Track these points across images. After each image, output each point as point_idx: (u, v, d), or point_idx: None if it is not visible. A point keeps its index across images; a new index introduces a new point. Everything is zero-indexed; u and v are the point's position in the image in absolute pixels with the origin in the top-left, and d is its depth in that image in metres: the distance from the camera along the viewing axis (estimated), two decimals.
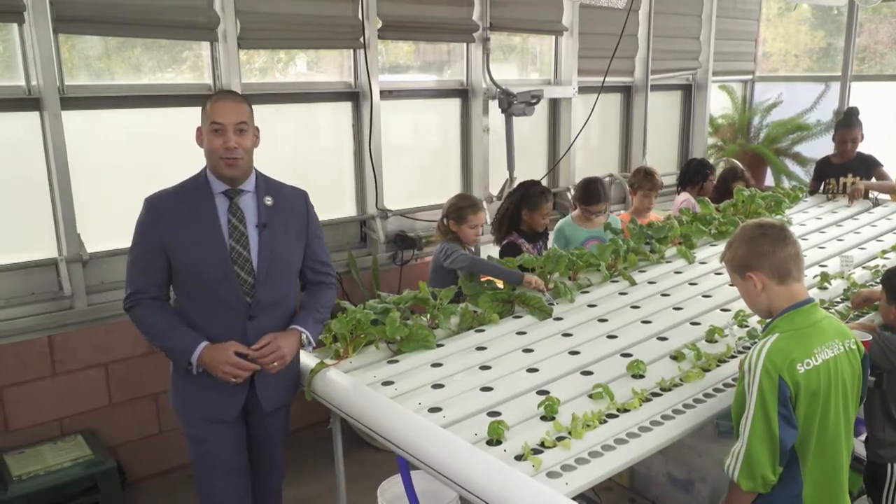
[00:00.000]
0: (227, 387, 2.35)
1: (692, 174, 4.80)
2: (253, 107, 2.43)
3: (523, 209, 3.80)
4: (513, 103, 4.84)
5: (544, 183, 4.15)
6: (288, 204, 2.47)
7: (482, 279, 3.17)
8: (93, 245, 3.56)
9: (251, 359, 2.32)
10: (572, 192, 5.46)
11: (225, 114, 2.31)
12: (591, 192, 4.00)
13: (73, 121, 3.46)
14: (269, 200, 2.41)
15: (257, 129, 2.42)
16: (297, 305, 2.54)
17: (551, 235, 4.11)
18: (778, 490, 1.97)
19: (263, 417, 2.51)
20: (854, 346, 2.06)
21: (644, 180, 4.35)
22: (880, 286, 2.68)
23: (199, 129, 2.38)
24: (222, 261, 2.31)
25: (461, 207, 3.47)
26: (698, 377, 2.37)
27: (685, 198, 4.66)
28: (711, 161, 7.00)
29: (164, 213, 2.34)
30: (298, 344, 2.42)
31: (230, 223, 2.35)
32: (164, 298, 2.40)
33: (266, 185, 2.45)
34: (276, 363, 2.33)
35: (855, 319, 2.82)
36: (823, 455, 2.00)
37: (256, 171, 2.44)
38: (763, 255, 2.05)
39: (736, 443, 1.99)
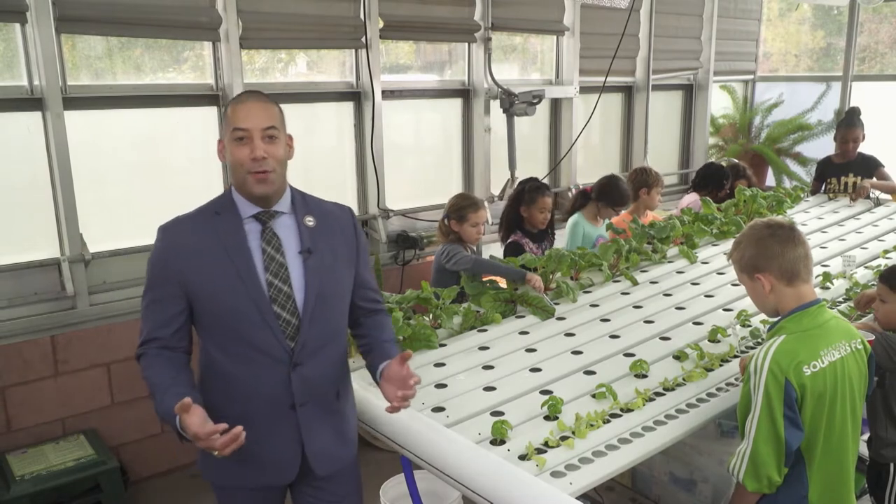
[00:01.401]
0: (271, 446, 1.95)
1: (707, 180, 4.69)
2: None
3: (521, 206, 3.81)
4: (514, 103, 4.84)
5: (546, 183, 4.15)
6: (333, 224, 2.05)
7: (484, 279, 3.17)
8: (95, 245, 3.56)
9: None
10: (573, 191, 5.47)
11: (249, 118, 1.90)
12: (618, 192, 3.98)
13: (76, 121, 3.47)
14: (310, 221, 2.00)
15: (290, 136, 2.02)
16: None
17: (561, 233, 4.11)
18: (783, 491, 1.97)
19: (324, 484, 2.09)
20: (861, 347, 2.06)
21: (656, 178, 4.32)
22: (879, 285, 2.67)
23: (220, 142, 1.97)
24: (259, 301, 1.89)
25: (462, 207, 3.47)
26: (701, 377, 2.37)
27: (692, 199, 4.61)
28: (712, 161, 7.00)
29: (182, 245, 1.92)
30: None
31: (265, 253, 1.93)
32: (180, 349, 1.96)
33: (304, 202, 2.04)
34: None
35: (858, 319, 2.81)
36: (830, 456, 2.00)
37: (291, 187, 2.05)
38: (772, 257, 2.04)
39: (741, 443, 1.99)
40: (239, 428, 1.73)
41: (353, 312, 2.14)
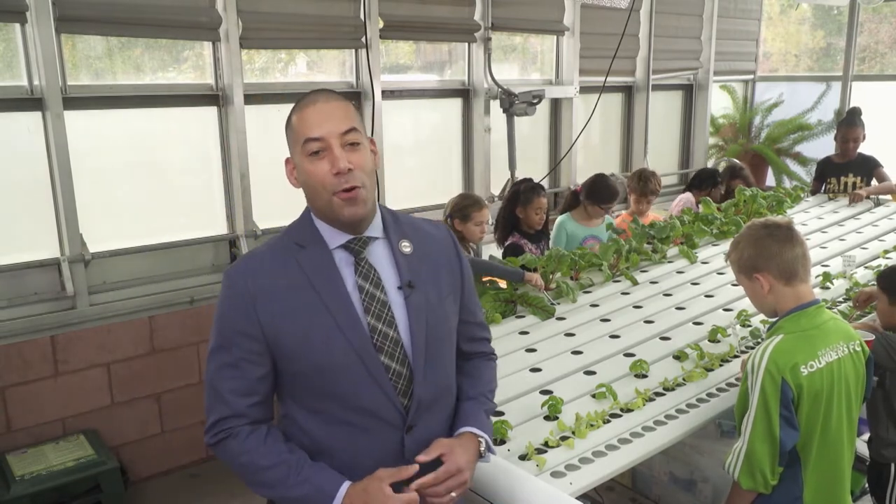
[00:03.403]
0: None
1: (701, 182, 4.89)
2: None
3: (517, 207, 3.82)
4: (514, 103, 4.84)
5: (546, 183, 4.16)
6: (432, 248, 1.68)
7: (484, 279, 3.17)
8: (95, 245, 3.56)
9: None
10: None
11: (323, 122, 1.51)
12: (605, 189, 3.98)
13: (76, 121, 3.46)
14: (406, 247, 1.63)
15: (372, 140, 1.62)
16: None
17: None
18: (779, 491, 1.98)
19: None
20: (859, 349, 2.06)
21: (639, 184, 4.37)
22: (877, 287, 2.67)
23: (288, 162, 1.59)
24: (363, 353, 1.52)
25: (465, 206, 3.48)
26: (701, 377, 2.37)
27: (685, 197, 4.72)
28: (712, 161, 7.05)
29: (262, 291, 1.52)
30: (477, 456, 1.62)
31: (362, 291, 1.55)
32: (268, 420, 1.59)
33: (396, 223, 1.67)
34: (455, 494, 1.55)
35: (858, 319, 2.82)
36: (825, 457, 2.00)
37: (379, 204, 1.66)
38: (770, 257, 2.05)
39: (737, 441, 2.00)
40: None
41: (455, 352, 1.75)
